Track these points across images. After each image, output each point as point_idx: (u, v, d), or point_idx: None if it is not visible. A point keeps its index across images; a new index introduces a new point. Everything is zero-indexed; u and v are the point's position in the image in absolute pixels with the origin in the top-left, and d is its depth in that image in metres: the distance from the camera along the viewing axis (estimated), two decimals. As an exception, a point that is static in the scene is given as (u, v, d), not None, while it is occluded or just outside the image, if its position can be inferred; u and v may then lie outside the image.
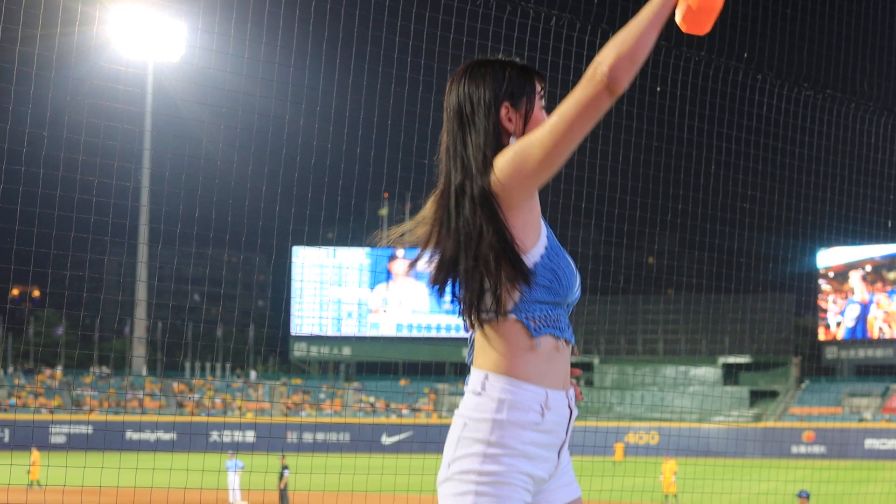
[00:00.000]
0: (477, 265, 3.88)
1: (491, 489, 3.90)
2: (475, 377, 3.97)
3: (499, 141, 3.99)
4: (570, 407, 4.03)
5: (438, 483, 4.00)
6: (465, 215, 3.90)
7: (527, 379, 3.93)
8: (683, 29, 3.85)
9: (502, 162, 3.87)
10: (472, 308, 3.94)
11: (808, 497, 22.02)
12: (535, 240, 3.93)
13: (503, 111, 4.04)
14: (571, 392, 4.08)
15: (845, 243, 69.10)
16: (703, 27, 3.83)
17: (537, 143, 3.79)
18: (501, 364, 3.95)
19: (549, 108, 4.06)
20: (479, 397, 3.95)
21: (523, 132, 4.02)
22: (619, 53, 3.71)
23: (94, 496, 15.53)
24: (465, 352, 4.16)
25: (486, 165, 3.93)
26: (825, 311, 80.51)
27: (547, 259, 3.94)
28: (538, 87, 4.12)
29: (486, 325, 3.95)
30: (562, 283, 3.95)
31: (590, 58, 14.76)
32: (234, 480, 31.62)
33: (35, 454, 37.05)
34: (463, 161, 3.98)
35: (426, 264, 4.01)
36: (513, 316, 3.93)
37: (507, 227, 3.87)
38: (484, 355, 3.98)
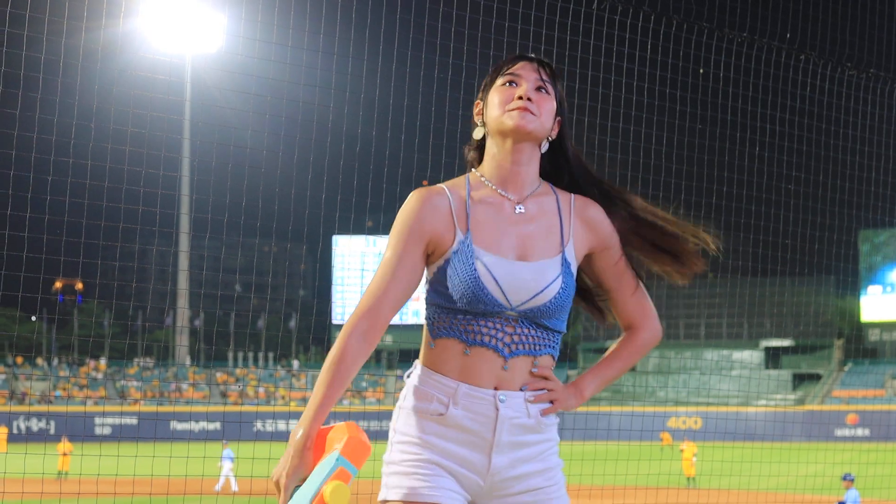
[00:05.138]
0: None
1: (394, 480, 3.82)
2: None
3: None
4: (496, 408, 3.79)
5: None
6: None
7: (436, 369, 3.85)
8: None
9: None
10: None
11: (852, 480, 21.93)
12: (445, 248, 3.85)
13: (476, 108, 4.06)
14: (514, 395, 3.83)
15: (889, 225, 68.70)
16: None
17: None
18: (421, 354, 3.94)
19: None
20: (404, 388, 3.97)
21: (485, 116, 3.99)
22: None
23: (145, 486, 15.68)
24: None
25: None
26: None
27: (448, 267, 3.82)
28: (502, 69, 3.98)
29: None
30: (453, 291, 3.80)
31: (632, 41, 14.60)
32: (227, 468, 32.08)
33: (65, 444, 36.88)
34: None
35: None
36: (426, 313, 3.93)
37: None
38: None
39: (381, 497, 3.84)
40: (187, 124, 55.14)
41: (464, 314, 3.80)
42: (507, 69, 3.95)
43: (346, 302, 79.26)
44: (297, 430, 3.61)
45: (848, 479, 21.77)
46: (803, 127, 19.34)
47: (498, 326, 3.80)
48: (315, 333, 79.93)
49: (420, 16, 14.01)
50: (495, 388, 3.80)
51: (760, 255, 21.38)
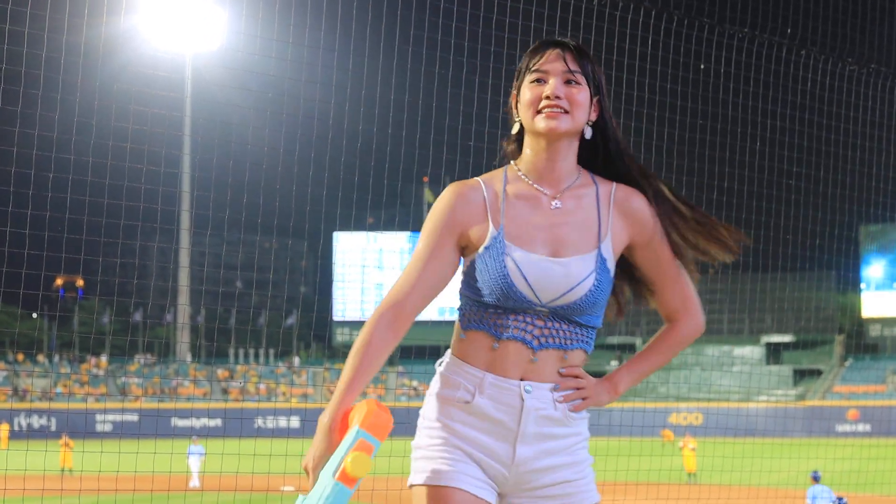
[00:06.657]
0: None
1: (420, 464, 3.85)
2: None
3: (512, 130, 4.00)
4: (521, 398, 3.77)
5: None
6: None
7: (465, 359, 3.85)
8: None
9: None
10: None
11: (818, 478, 21.78)
12: (478, 242, 3.80)
13: (512, 98, 3.97)
14: (540, 386, 3.81)
15: (889, 220, 68.68)
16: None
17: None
18: (452, 344, 3.93)
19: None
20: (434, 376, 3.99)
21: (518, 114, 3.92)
22: None
23: (147, 483, 15.67)
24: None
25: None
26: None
27: (479, 260, 3.79)
28: (531, 63, 3.87)
29: None
30: (483, 286, 3.77)
31: (633, 37, 14.53)
32: (195, 464, 32.04)
33: (66, 439, 36.90)
34: None
35: None
36: (459, 304, 3.90)
37: None
38: None
39: (409, 482, 3.86)
40: (188, 121, 55.13)
41: (494, 308, 3.78)
42: (535, 63, 3.85)
43: (346, 299, 79.26)
44: (324, 415, 3.62)
45: (814, 476, 21.58)
46: (804, 122, 19.32)
47: (528, 321, 3.77)
48: (316, 330, 79.86)
49: (420, 12, 14.01)
50: (521, 379, 3.79)
51: (761, 251, 21.34)
